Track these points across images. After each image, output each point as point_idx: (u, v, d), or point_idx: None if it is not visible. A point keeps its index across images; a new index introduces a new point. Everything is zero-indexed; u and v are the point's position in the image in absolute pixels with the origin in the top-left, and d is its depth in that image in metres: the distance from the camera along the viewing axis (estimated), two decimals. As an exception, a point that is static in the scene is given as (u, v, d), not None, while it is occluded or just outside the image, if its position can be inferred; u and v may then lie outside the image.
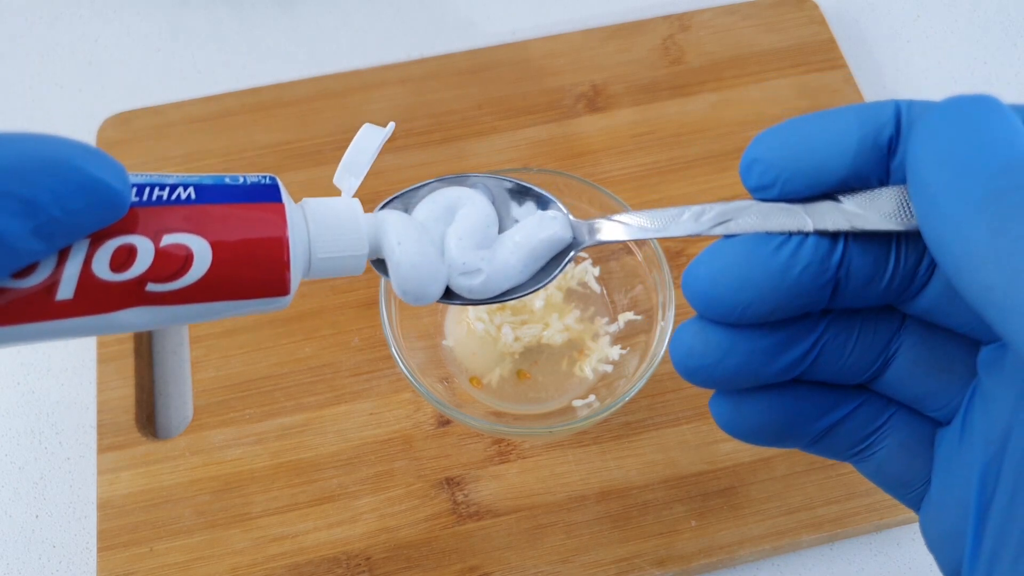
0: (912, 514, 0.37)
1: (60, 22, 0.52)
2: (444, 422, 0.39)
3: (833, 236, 0.18)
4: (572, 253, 0.24)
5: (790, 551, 0.37)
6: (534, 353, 0.38)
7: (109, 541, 0.36)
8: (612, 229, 0.22)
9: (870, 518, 0.37)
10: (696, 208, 0.20)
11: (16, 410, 0.41)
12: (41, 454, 0.40)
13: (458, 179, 0.25)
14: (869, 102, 0.17)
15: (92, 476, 0.39)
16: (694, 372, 0.19)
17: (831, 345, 0.19)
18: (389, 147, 0.45)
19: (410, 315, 0.37)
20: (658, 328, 0.35)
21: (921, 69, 0.51)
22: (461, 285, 0.23)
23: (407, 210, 0.24)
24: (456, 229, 0.23)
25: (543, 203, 0.25)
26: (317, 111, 0.46)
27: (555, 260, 0.24)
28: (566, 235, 0.23)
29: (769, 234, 0.18)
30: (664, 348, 0.34)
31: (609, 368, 0.37)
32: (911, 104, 0.17)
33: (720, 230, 0.19)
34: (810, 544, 0.37)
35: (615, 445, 0.38)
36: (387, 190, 0.44)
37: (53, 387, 0.41)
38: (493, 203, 0.24)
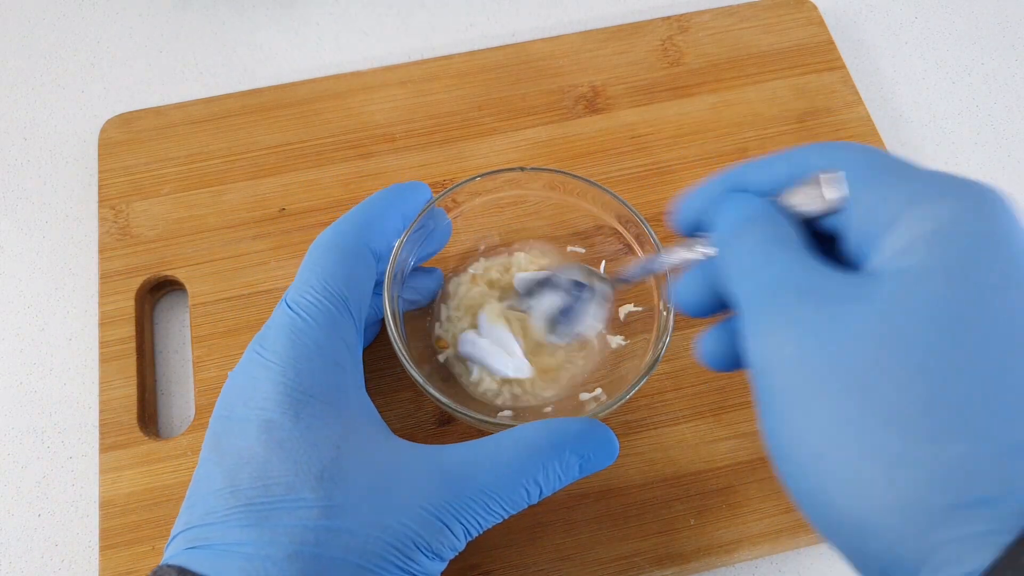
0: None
1: (62, 23, 0.53)
2: (445, 421, 0.39)
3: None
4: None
5: (789, 549, 0.37)
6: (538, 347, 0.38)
7: (111, 540, 0.36)
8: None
9: (868, 516, 0.37)
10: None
11: (19, 409, 0.41)
12: (44, 453, 0.40)
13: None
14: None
15: (94, 475, 0.39)
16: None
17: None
18: (390, 148, 0.46)
19: (413, 314, 0.38)
20: (659, 324, 0.35)
21: (919, 70, 0.52)
22: None
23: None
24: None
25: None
26: (318, 112, 0.47)
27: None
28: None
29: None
30: (665, 343, 0.34)
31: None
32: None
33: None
34: (809, 543, 0.37)
35: (614, 444, 0.38)
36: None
37: (55, 386, 0.41)
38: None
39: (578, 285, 0.36)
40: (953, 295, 0.19)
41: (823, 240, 0.25)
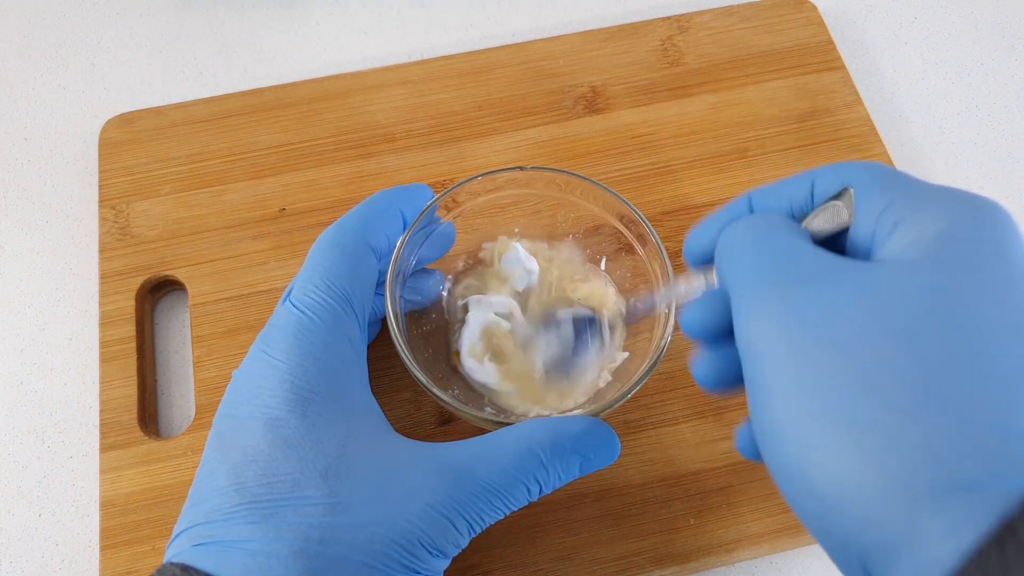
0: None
1: (62, 23, 0.53)
2: (445, 421, 0.39)
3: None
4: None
5: (788, 549, 0.37)
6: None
7: (112, 539, 0.36)
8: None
9: (868, 516, 0.37)
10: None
11: (19, 409, 0.41)
12: (44, 453, 0.40)
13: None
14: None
15: (95, 475, 0.39)
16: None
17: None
18: (390, 148, 0.46)
19: (416, 313, 0.38)
20: (660, 324, 0.35)
21: (919, 71, 0.52)
22: None
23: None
24: None
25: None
26: (318, 112, 0.47)
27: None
28: None
29: None
30: (666, 343, 0.34)
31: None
32: None
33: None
34: (809, 542, 0.37)
35: (614, 444, 0.38)
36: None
37: (56, 386, 0.41)
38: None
39: (584, 329, 0.37)
40: (952, 281, 0.20)
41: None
